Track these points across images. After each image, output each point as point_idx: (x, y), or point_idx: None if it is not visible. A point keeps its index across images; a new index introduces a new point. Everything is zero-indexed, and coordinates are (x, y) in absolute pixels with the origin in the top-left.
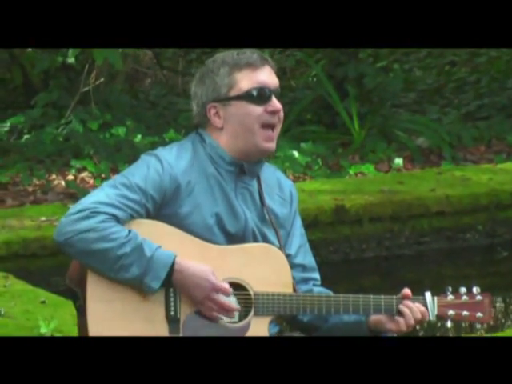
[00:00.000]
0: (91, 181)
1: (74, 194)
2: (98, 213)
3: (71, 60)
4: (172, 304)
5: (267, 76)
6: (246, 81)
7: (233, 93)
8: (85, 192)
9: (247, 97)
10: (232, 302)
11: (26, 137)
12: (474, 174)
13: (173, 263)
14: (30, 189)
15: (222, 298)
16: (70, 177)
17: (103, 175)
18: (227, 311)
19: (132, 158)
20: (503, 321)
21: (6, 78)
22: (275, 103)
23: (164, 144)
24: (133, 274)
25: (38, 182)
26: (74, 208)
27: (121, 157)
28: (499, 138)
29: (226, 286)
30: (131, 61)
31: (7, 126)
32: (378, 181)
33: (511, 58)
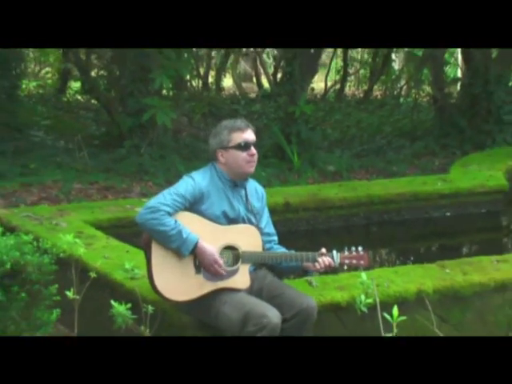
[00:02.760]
0: (154, 187)
1: (145, 193)
2: (160, 210)
3: (144, 121)
4: (197, 260)
5: (249, 135)
6: (237, 138)
7: (230, 144)
8: (151, 193)
9: (238, 147)
10: (228, 260)
11: (119, 163)
12: (359, 185)
13: (196, 243)
14: (121, 190)
15: (217, 267)
16: (142, 184)
17: (160, 183)
18: (217, 274)
19: (175, 175)
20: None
21: (108, 131)
22: (253, 150)
23: (192, 167)
24: (175, 245)
25: (125, 187)
26: (148, 204)
27: (169, 174)
28: (372, 167)
29: (221, 262)
30: (176, 122)
31: (110, 157)
32: (308, 189)
33: (379, 123)
